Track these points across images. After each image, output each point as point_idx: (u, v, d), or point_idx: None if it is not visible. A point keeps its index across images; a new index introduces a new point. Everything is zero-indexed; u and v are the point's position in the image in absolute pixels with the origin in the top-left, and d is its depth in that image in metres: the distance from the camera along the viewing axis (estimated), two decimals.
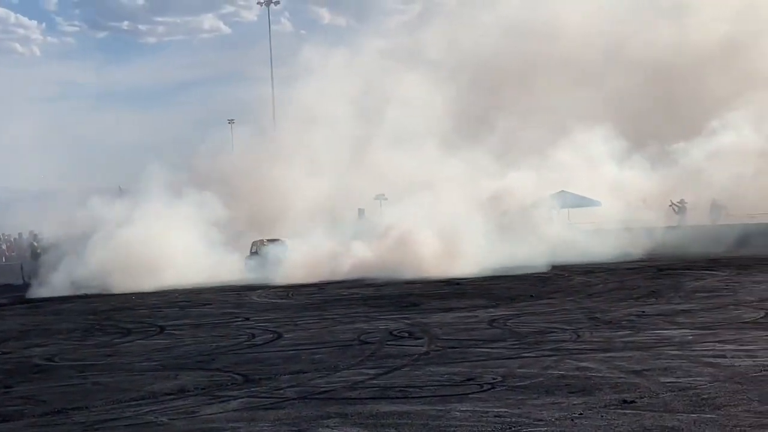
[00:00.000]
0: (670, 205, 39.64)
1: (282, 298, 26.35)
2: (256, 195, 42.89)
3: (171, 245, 33.88)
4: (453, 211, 33.59)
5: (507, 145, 42.42)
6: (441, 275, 29.80)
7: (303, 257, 33.24)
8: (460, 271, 30.22)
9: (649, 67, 50.14)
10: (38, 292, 32.48)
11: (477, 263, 30.59)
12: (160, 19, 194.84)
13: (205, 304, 25.67)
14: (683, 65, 49.60)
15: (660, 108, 48.04)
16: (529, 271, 29.45)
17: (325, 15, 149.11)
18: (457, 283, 27.60)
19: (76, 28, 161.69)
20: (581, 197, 39.28)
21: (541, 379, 11.96)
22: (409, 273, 30.18)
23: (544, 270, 29.79)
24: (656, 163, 40.07)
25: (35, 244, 42.18)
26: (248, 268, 34.67)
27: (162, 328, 20.38)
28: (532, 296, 22.91)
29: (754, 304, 19.03)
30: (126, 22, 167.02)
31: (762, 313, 17.41)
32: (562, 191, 38.64)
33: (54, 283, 32.91)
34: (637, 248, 33.83)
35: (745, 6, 50.59)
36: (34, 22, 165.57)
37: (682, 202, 39.65)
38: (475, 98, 51.16)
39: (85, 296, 31.00)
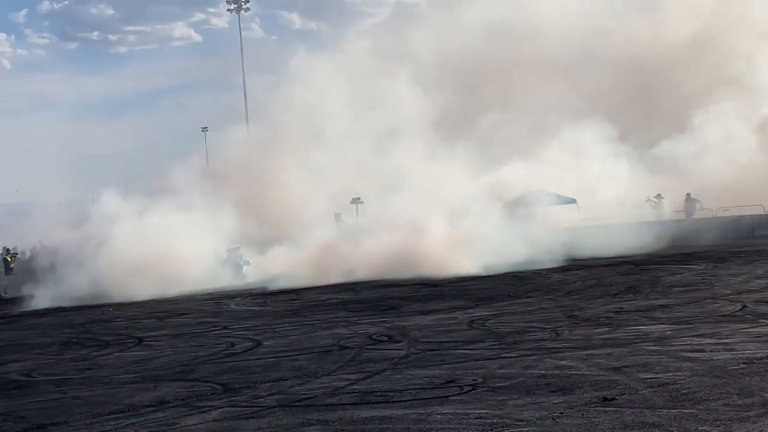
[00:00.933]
0: (647, 200, 39.87)
1: (260, 305, 26.26)
2: (258, 199, 43.10)
3: (174, 251, 33.93)
4: (458, 207, 33.77)
5: (486, 144, 42.60)
6: (455, 273, 29.94)
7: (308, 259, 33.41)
8: (473, 268, 30.42)
9: (626, 63, 50.67)
10: (28, 305, 32.28)
11: (490, 260, 30.84)
12: (130, 28, 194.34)
13: (182, 314, 25.54)
14: (659, 61, 50.16)
15: (638, 104, 48.41)
16: (543, 267, 29.74)
17: (295, 20, 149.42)
18: (435, 285, 27.61)
19: (46, 40, 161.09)
20: (558, 195, 39.41)
21: (521, 379, 11.97)
22: (418, 271, 30.43)
23: (560, 265, 30.07)
24: (635, 158, 40.34)
25: (8, 258, 41.86)
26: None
27: (140, 340, 20.26)
28: (510, 296, 22.94)
29: (731, 297, 19.15)
30: (96, 33, 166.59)
31: (739, 306, 17.51)
32: (540, 189, 38.75)
33: (39, 296, 32.72)
34: (650, 241, 34.04)
35: (716, 1, 51.21)
36: (3, 35, 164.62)
37: (658, 196, 39.88)
38: (454, 98, 51.43)
39: (62, 309, 30.78)
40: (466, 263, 30.70)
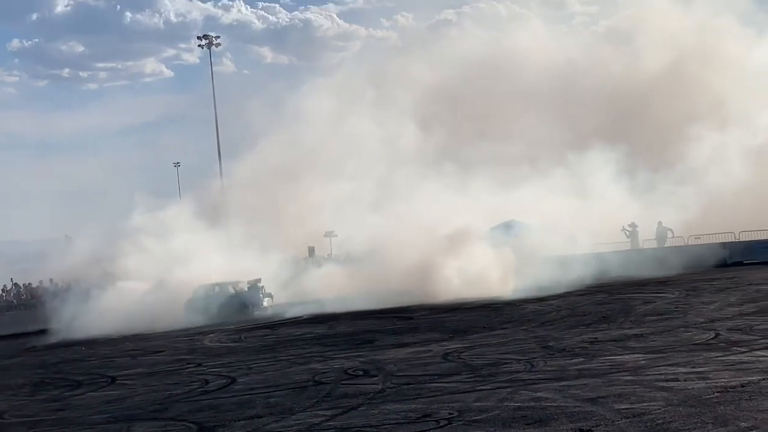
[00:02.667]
0: (622, 229, 40.03)
1: (235, 342, 26.09)
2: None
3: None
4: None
5: (472, 174, 42.80)
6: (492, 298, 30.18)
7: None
8: (512, 291, 30.95)
9: (605, 97, 51.57)
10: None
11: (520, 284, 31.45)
12: (101, 65, 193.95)
13: (156, 352, 25.33)
14: (637, 93, 51.03)
15: (618, 133, 48.92)
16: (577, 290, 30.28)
17: (267, 54, 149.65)
18: (410, 317, 27.56)
19: (16, 78, 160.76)
20: (530, 225, 39.43)
21: (497, 411, 11.95)
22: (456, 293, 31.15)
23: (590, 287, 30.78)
24: (612, 187, 40.62)
25: None
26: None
27: (113, 379, 20.06)
28: (485, 327, 22.92)
29: (704, 325, 19.23)
30: (67, 70, 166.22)
31: (712, 335, 17.59)
32: (512, 220, 38.83)
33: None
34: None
35: (686, 35, 52.36)
36: None
37: (632, 225, 40.07)
38: (435, 130, 51.85)
39: (33, 348, 30.48)
40: (509, 285, 31.35)
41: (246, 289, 35.37)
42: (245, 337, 27.00)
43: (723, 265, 36.25)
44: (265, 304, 35.28)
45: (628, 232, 40.24)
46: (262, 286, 35.58)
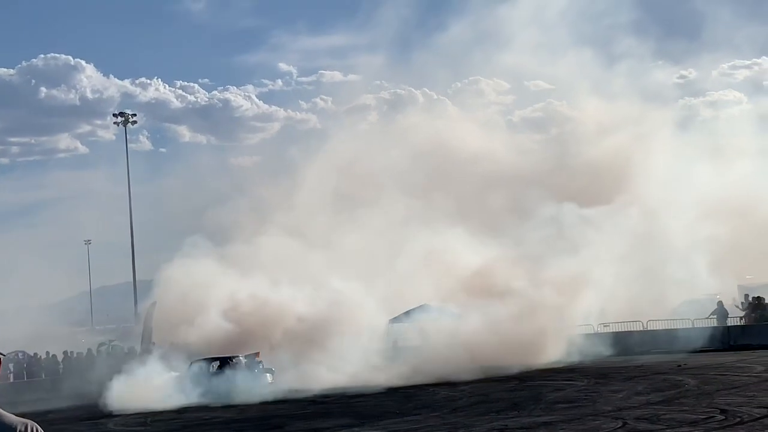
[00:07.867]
0: None
1: (140, 425, 25.43)
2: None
3: None
4: None
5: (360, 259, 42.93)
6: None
7: None
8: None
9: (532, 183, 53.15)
10: None
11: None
12: (13, 139, 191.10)
13: None
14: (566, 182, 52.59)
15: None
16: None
17: (184, 133, 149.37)
18: (323, 402, 27.26)
19: None
20: (442, 309, 39.51)
21: None
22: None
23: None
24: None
25: None
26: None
27: None
28: (397, 413, 22.78)
29: (612, 413, 19.39)
30: None
31: (620, 423, 17.74)
32: (424, 305, 38.88)
33: None
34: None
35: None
36: None
37: None
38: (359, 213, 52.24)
39: None
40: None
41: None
42: (151, 421, 26.33)
43: (631, 353, 36.64)
44: (269, 379, 31.81)
45: None
46: (260, 361, 33.13)
